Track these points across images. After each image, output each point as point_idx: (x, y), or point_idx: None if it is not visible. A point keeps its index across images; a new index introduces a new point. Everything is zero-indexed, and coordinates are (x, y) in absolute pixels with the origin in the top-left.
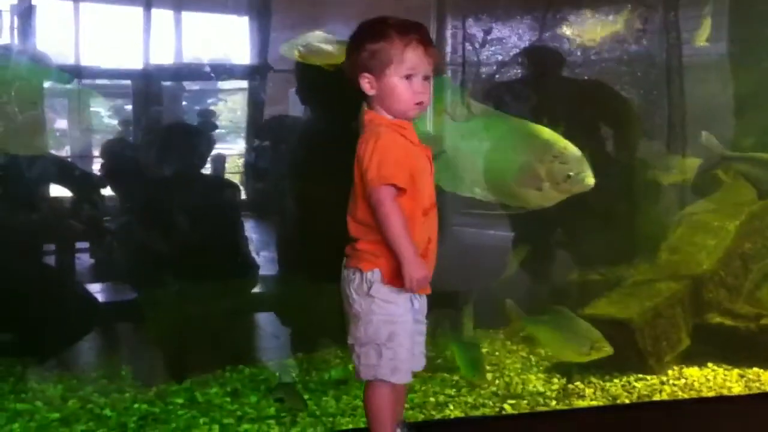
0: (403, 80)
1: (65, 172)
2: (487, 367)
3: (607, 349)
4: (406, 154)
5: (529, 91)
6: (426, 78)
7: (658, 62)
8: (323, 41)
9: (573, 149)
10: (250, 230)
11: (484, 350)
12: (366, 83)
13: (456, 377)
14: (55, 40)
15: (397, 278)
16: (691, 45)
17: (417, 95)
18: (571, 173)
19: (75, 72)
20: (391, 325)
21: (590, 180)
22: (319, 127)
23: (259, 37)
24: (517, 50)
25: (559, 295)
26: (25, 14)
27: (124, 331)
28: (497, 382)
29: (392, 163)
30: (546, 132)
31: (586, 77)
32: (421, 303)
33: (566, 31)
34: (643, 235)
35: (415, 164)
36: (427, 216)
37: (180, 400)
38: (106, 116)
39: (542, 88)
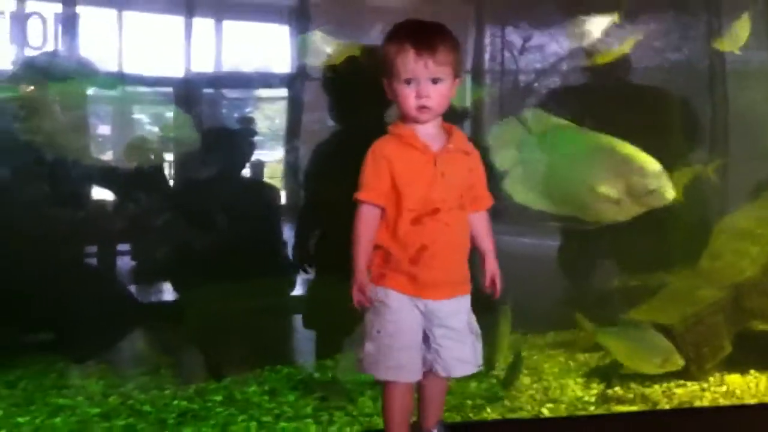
0: (403, 85)
1: (109, 174)
2: (525, 371)
3: (679, 362)
4: (380, 165)
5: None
6: (435, 81)
7: (699, 69)
8: (322, 42)
9: (653, 163)
10: (288, 232)
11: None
12: (385, 87)
13: (494, 380)
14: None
15: (380, 278)
16: (733, 52)
17: (419, 99)
18: (652, 188)
19: (119, 79)
20: (379, 321)
21: (671, 194)
22: (349, 133)
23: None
24: (556, 57)
25: (600, 301)
26: (70, 21)
27: (165, 330)
28: (535, 386)
29: (366, 176)
30: (625, 145)
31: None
32: (436, 307)
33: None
34: (684, 242)
35: (402, 171)
36: (421, 223)
37: (218, 398)
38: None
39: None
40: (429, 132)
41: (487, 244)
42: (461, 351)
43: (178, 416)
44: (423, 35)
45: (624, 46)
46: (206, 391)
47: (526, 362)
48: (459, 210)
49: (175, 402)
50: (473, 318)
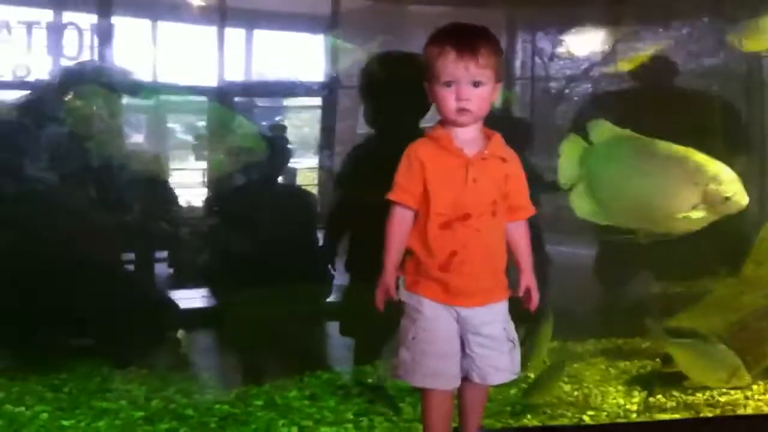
0: (443, 87)
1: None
2: (565, 379)
3: (746, 378)
4: (413, 167)
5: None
6: (476, 84)
7: (737, 75)
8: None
9: (727, 170)
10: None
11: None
12: (426, 90)
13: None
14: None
15: (413, 285)
16: None
17: (459, 102)
18: (728, 195)
19: (154, 88)
20: (414, 328)
21: (745, 200)
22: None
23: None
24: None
25: (642, 308)
26: (105, 32)
27: (207, 335)
28: (576, 393)
29: (399, 177)
30: (696, 153)
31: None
32: (469, 315)
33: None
34: (728, 248)
35: (434, 175)
36: (451, 228)
37: (260, 402)
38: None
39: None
40: (467, 136)
41: (523, 256)
42: (497, 359)
43: (219, 420)
44: (464, 38)
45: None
46: (247, 396)
47: (566, 370)
48: (491, 216)
49: (217, 406)
50: (511, 325)
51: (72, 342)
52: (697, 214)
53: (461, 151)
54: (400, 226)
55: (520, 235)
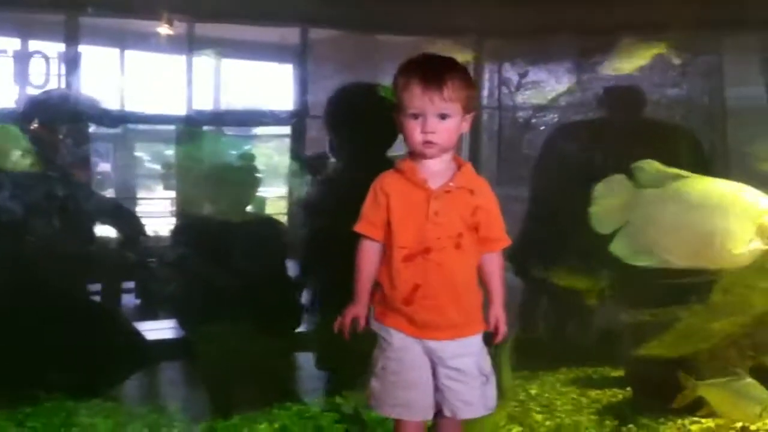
0: (410, 119)
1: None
2: (537, 408)
3: None
4: (378, 199)
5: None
6: (442, 116)
7: (699, 106)
8: None
9: None
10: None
11: (533, 391)
12: (395, 121)
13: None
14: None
15: (381, 316)
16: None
17: (425, 134)
18: None
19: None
20: (382, 358)
21: None
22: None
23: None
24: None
25: (611, 338)
26: (73, 61)
27: (172, 368)
28: (548, 423)
29: (365, 208)
30: (746, 188)
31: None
32: (438, 348)
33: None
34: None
35: (397, 207)
36: (413, 262)
37: None
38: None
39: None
40: (435, 168)
41: (494, 287)
42: (467, 393)
43: None
44: (431, 70)
45: None
46: (215, 429)
47: (538, 399)
48: (455, 249)
49: None
50: (486, 359)
51: (38, 376)
52: (755, 249)
53: (425, 183)
54: (367, 256)
55: (493, 268)
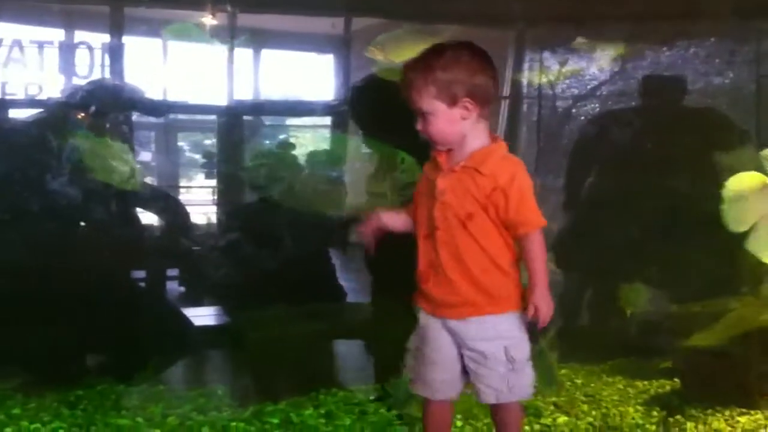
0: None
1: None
2: (583, 398)
3: None
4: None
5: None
6: (424, 114)
7: (746, 94)
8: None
9: None
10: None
11: (578, 381)
12: None
13: (551, 408)
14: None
15: (415, 296)
16: None
17: (420, 131)
18: None
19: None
20: (415, 338)
21: None
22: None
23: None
24: (597, 82)
25: (659, 328)
26: (116, 51)
27: (219, 354)
28: (594, 413)
29: None
30: None
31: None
32: (459, 328)
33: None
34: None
35: (419, 189)
36: (428, 240)
37: (275, 420)
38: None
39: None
40: (459, 153)
41: (531, 272)
42: (488, 377)
43: None
44: (407, 72)
45: None
46: (263, 413)
47: (584, 389)
48: (462, 229)
49: (233, 424)
50: (519, 346)
51: (88, 359)
52: None
53: (439, 167)
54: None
55: (528, 253)
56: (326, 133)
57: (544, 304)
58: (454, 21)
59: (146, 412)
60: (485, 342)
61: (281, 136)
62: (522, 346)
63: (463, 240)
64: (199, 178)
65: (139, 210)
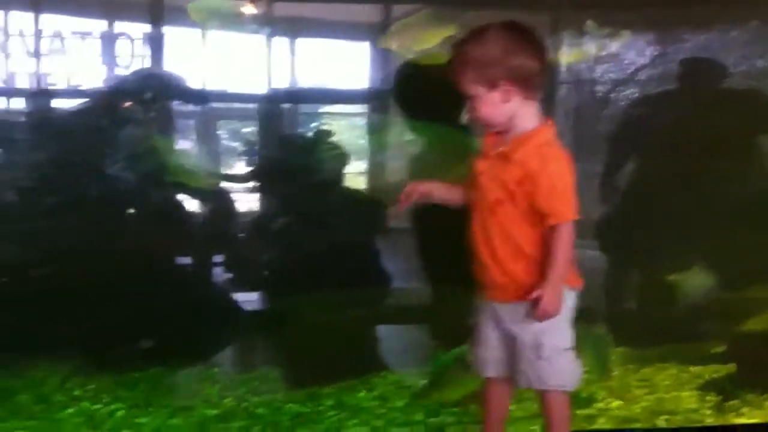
0: None
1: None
2: (636, 383)
3: None
4: None
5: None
6: (471, 97)
7: None
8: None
9: None
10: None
11: (631, 366)
12: None
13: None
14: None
15: None
16: None
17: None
18: None
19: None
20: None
21: None
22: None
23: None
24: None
25: (714, 312)
26: (156, 41)
27: (272, 337)
28: (647, 397)
29: None
30: None
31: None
32: (501, 311)
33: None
34: None
35: (471, 172)
36: (474, 223)
37: (330, 402)
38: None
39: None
40: (507, 136)
41: (549, 263)
42: (520, 362)
43: (291, 419)
44: (452, 53)
45: None
46: (317, 396)
47: (638, 374)
48: (490, 215)
49: (288, 405)
50: (553, 336)
51: (144, 343)
52: None
53: (485, 147)
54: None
55: (551, 242)
56: (363, 120)
57: (548, 297)
58: (490, 5)
59: (203, 393)
60: (516, 326)
61: (316, 124)
62: (554, 335)
63: (493, 226)
64: (240, 166)
65: (187, 197)
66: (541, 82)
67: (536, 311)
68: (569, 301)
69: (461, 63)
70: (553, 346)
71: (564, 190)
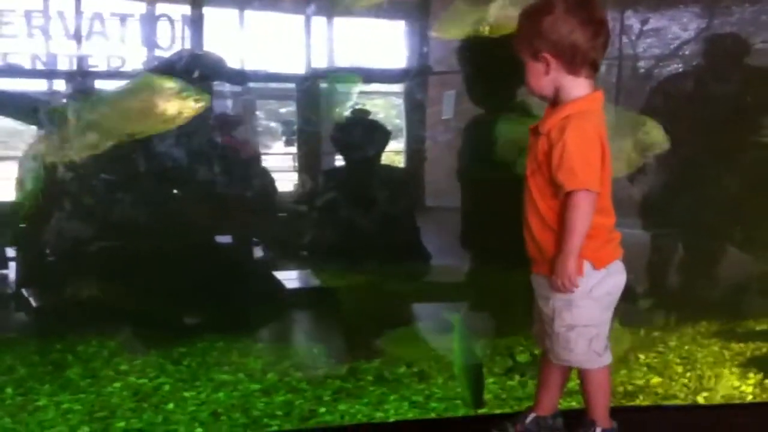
0: None
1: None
2: (677, 360)
3: None
4: None
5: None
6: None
7: None
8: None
9: None
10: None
11: (672, 343)
12: None
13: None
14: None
15: None
16: None
17: None
18: None
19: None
20: None
21: None
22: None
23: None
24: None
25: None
26: (196, 22)
27: (318, 314)
28: (688, 374)
29: None
30: None
31: None
32: (535, 283)
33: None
34: None
35: None
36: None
37: (370, 378)
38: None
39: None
40: (555, 109)
41: (561, 235)
42: (547, 335)
43: (333, 393)
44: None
45: None
46: (358, 371)
47: (678, 351)
48: (528, 187)
49: (330, 380)
50: (566, 313)
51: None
52: None
53: (539, 122)
54: None
55: (564, 212)
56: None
57: (559, 269)
58: None
59: (247, 368)
60: (542, 300)
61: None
62: (569, 311)
63: (528, 198)
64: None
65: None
66: (589, 59)
67: (551, 284)
68: (592, 279)
69: (516, 31)
70: (565, 323)
71: (577, 158)
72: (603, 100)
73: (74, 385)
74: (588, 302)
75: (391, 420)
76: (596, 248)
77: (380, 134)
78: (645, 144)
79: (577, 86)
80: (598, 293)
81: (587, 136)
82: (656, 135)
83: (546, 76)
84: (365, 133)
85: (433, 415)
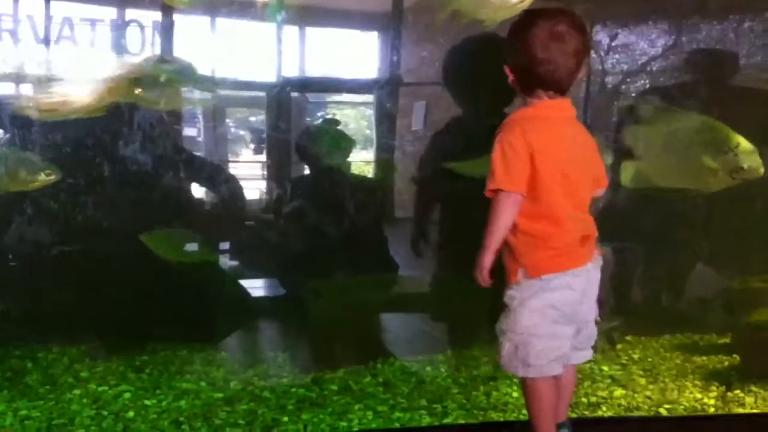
0: None
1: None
2: (640, 372)
3: None
4: None
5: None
6: None
7: None
8: None
9: None
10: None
11: (635, 356)
12: None
13: (607, 381)
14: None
15: None
16: None
17: None
18: None
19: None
20: None
21: None
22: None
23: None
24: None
25: (717, 304)
26: (167, 28)
27: (282, 322)
28: (651, 387)
29: None
30: None
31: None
32: None
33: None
34: None
35: None
36: None
37: (335, 387)
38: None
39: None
40: None
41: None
42: None
43: (297, 402)
44: None
45: None
46: (323, 380)
47: (641, 363)
48: None
49: (293, 389)
50: (502, 319)
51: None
52: None
53: None
54: None
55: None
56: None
57: (476, 263)
58: None
59: (209, 377)
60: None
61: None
62: (509, 316)
63: None
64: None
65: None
66: (544, 84)
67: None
68: (526, 287)
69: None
70: (500, 325)
71: (497, 160)
72: (567, 108)
73: (33, 391)
74: (523, 311)
75: (355, 430)
76: (533, 256)
77: (345, 143)
78: (735, 166)
79: (534, 96)
80: (537, 304)
81: (512, 140)
82: (751, 160)
83: (514, 85)
84: (329, 142)
85: (397, 425)
